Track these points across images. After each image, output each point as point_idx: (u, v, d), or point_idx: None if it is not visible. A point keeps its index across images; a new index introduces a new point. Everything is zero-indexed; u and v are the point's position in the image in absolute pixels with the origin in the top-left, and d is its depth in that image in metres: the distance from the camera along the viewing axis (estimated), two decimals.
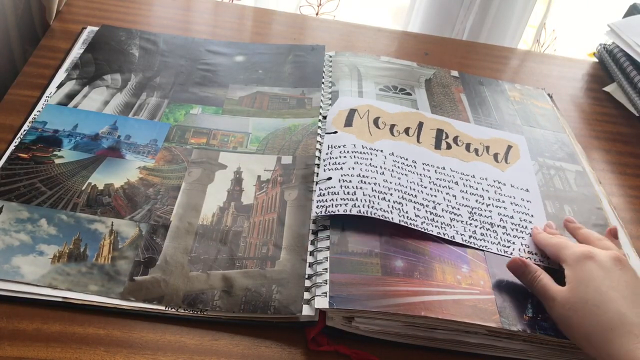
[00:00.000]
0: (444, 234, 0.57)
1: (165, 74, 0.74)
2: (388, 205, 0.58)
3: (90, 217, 0.55)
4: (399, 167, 0.63)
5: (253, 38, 0.87)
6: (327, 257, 0.53)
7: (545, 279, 0.51)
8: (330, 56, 0.82)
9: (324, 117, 0.70)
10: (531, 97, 0.83)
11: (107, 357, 0.45)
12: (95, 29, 0.80)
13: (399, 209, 0.58)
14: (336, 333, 0.50)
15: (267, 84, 0.75)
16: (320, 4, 1.30)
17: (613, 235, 0.57)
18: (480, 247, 0.57)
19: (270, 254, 0.54)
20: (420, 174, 0.63)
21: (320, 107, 0.72)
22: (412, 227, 0.56)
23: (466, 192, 0.62)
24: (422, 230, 0.56)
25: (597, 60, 1.01)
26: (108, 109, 0.68)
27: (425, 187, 0.61)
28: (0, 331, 0.46)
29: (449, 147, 0.68)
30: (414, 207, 0.59)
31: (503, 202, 0.62)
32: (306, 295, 0.51)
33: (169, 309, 0.49)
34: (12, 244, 0.51)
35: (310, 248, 0.55)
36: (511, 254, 0.57)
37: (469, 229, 0.58)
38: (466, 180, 0.64)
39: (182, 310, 0.49)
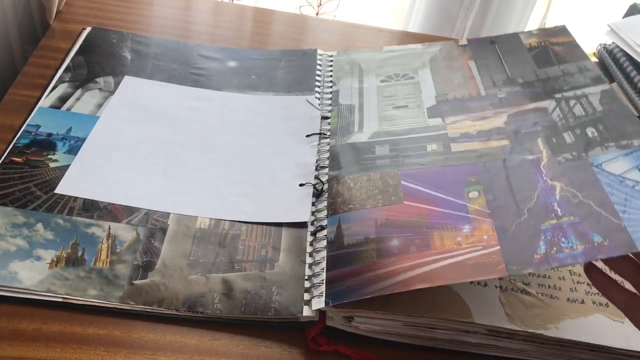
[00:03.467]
0: None
1: (157, 78, 0.73)
2: None
3: (87, 221, 0.54)
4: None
5: (253, 38, 0.87)
6: (324, 257, 0.53)
7: None
8: (331, 55, 0.82)
9: (324, 118, 0.70)
10: (550, 36, 0.75)
11: (107, 357, 0.45)
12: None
13: None
14: (336, 333, 0.50)
15: (261, 89, 0.74)
16: (320, 4, 1.30)
17: None
18: None
19: (269, 256, 0.54)
20: None
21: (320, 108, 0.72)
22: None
23: None
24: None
25: (597, 60, 1.00)
26: (101, 112, 0.66)
27: None
28: (0, 331, 0.46)
29: None
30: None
31: None
32: (306, 296, 0.51)
33: (169, 310, 0.49)
34: (9, 249, 0.51)
35: (309, 249, 0.55)
36: None
37: None
38: None
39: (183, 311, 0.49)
